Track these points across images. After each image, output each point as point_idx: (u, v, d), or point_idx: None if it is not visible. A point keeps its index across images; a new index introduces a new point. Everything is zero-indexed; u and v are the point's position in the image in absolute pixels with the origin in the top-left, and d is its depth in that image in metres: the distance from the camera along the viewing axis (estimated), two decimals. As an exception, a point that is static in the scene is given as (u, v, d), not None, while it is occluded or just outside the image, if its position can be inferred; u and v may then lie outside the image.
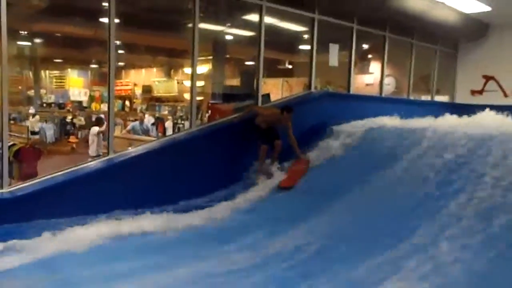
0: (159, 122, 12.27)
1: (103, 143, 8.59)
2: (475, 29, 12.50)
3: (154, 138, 9.18)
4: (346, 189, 6.10)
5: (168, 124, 11.90)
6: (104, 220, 5.53)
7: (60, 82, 15.21)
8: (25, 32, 10.95)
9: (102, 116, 10.15)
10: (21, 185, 5.65)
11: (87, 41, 11.25)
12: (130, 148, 7.08)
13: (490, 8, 10.50)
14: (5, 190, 5.45)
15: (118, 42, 10.11)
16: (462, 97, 13.45)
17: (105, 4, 6.35)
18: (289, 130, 7.42)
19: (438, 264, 3.90)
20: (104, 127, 8.91)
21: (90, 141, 9.37)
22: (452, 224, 4.41)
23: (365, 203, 5.63)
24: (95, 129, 9.27)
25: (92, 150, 9.18)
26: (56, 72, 15.25)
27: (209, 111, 8.47)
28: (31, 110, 13.02)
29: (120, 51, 12.12)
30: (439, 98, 13.45)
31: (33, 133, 10.84)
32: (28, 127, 10.30)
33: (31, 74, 14.64)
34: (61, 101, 14.49)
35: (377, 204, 5.47)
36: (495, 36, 12.73)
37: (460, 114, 7.30)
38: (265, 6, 8.13)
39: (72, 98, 14.83)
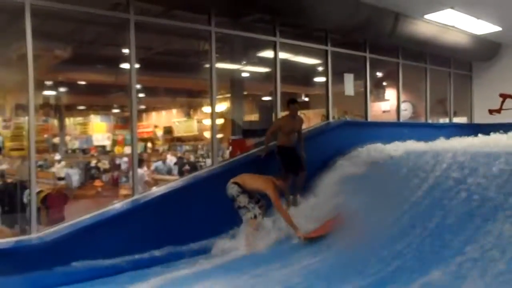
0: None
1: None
2: (487, 49, 12.58)
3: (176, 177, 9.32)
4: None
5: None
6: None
7: (84, 128, 15.65)
8: (50, 82, 11.41)
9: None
10: (49, 230, 5.75)
11: (108, 87, 11.67)
12: (154, 188, 7.23)
13: (501, 28, 10.59)
14: (34, 235, 5.57)
15: (138, 86, 10.53)
16: (481, 117, 13.39)
17: (126, 50, 6.64)
18: (301, 131, 7.52)
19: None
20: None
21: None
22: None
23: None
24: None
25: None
26: (80, 119, 15.71)
27: (230, 147, 8.62)
28: (57, 157, 13.35)
29: (140, 95, 12.51)
30: (458, 120, 13.43)
31: (59, 178, 11.10)
32: (54, 173, 10.57)
33: (56, 121, 15.09)
34: (85, 146, 14.86)
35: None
36: (508, 54, 12.76)
37: (478, 133, 7.32)
38: (279, 42, 8.37)
39: (95, 143, 15.20)
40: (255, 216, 6.21)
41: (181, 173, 11.16)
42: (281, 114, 8.55)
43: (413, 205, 5.84)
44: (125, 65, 6.71)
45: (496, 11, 9.44)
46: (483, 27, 10.56)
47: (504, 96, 13.02)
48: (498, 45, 12.67)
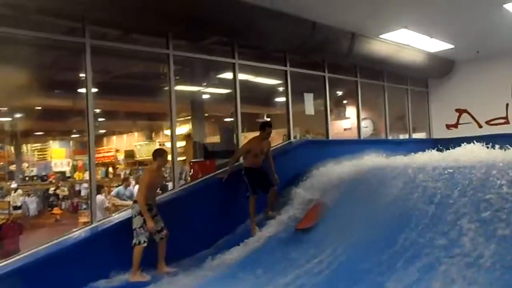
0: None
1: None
2: (442, 67, 13.01)
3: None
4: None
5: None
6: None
7: (42, 154, 15.24)
8: (5, 108, 11.08)
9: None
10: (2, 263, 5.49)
11: (67, 111, 11.38)
12: (114, 214, 7.05)
13: (453, 46, 10.99)
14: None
15: (97, 110, 10.33)
16: (439, 132, 13.80)
17: (83, 75, 6.52)
18: (269, 152, 7.57)
19: None
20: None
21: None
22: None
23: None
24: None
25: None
26: (37, 145, 15.29)
27: (192, 170, 8.53)
28: (13, 185, 12.93)
29: (100, 119, 12.29)
30: (417, 135, 13.77)
31: (16, 207, 10.74)
32: (9, 202, 10.21)
33: (12, 148, 14.65)
34: (43, 173, 14.44)
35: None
36: (461, 71, 13.25)
37: (436, 148, 7.53)
38: (238, 64, 8.41)
39: (54, 169, 14.80)
40: (139, 243, 5.88)
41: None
42: (243, 135, 8.56)
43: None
44: (82, 90, 6.57)
45: (448, 30, 9.81)
46: (437, 45, 10.94)
47: (460, 111, 13.54)
48: (451, 62, 13.14)
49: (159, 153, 6.51)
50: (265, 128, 7.45)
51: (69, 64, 8.36)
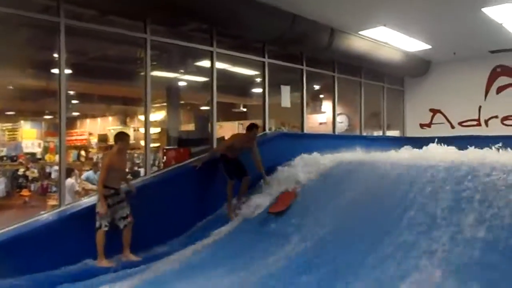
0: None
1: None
2: (418, 66, 13.19)
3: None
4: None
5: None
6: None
7: (13, 134, 14.86)
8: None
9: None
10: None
11: (39, 92, 11.12)
12: (83, 198, 6.96)
13: (430, 46, 11.13)
14: None
15: (71, 92, 10.14)
16: (412, 131, 14.01)
17: (56, 55, 6.38)
18: (255, 149, 7.65)
19: None
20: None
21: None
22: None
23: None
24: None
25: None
26: (8, 125, 14.92)
27: (164, 157, 8.47)
28: (-19, 165, 12.62)
29: (74, 101, 12.06)
30: (391, 133, 13.95)
31: (-17, 188, 10.49)
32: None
33: (-19, 128, 14.28)
34: (13, 154, 14.09)
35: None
36: (437, 71, 13.47)
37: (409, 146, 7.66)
38: (216, 52, 8.35)
39: (25, 150, 14.45)
40: (100, 227, 5.85)
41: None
42: (218, 124, 8.54)
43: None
44: (56, 70, 6.43)
45: (426, 30, 9.92)
46: (415, 45, 11.07)
47: (434, 111, 13.77)
48: (428, 62, 13.33)
49: (120, 136, 6.46)
50: (252, 129, 7.60)
51: (42, 43, 8.16)
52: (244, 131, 7.91)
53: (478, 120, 12.94)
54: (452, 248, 4.35)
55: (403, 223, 5.04)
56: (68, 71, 6.53)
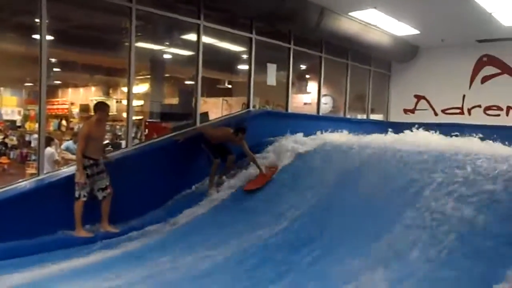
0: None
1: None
2: (406, 51, 13.19)
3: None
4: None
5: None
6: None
7: (-9, 101, 14.52)
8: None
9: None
10: None
11: (20, 58, 10.84)
12: (62, 168, 6.86)
13: (419, 31, 11.12)
14: None
15: (53, 60, 9.91)
16: (396, 116, 14.08)
17: (37, 20, 6.19)
18: (245, 148, 7.54)
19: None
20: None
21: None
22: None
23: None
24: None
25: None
26: (-13, 91, 14.56)
27: (146, 130, 8.38)
28: (-42, 131, 12.35)
29: (56, 69, 11.80)
30: (374, 117, 14.01)
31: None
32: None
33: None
34: (-8, 120, 13.81)
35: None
36: (424, 57, 13.50)
37: (392, 131, 7.71)
38: (203, 26, 8.21)
39: (4, 117, 14.16)
40: (78, 197, 5.80)
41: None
42: (202, 99, 8.44)
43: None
44: (37, 36, 6.25)
45: (415, 15, 9.90)
46: (403, 29, 11.05)
47: (418, 98, 13.85)
48: (416, 47, 13.33)
49: (99, 106, 6.36)
50: (237, 133, 7.43)
51: (24, 6, 7.92)
52: (228, 107, 7.83)
53: (461, 108, 13.05)
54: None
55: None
56: (49, 37, 6.35)
